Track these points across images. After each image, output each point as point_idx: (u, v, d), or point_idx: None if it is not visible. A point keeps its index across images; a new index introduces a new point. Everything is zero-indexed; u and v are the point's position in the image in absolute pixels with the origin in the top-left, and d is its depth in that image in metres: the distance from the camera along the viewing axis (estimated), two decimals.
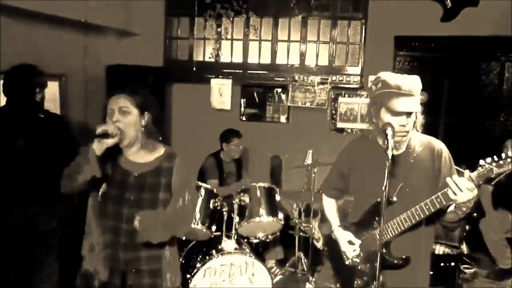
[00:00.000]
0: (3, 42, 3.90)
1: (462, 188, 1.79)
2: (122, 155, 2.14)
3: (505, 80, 5.21)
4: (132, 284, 2.12)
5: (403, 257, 2.10)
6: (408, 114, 2.01)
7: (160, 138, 2.21)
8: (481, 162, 1.81)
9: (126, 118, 2.04)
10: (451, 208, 1.97)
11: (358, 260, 2.24)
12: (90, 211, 2.14)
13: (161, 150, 2.19)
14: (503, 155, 1.78)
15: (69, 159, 2.16)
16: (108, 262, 2.10)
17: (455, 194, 1.81)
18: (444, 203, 1.91)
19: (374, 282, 1.90)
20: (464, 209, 1.88)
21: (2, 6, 3.75)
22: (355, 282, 2.21)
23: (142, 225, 1.98)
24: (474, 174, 1.81)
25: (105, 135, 1.95)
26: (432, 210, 1.95)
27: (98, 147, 1.95)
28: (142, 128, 2.10)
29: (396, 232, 2.08)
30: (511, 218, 4.39)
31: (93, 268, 2.11)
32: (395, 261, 2.09)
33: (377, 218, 2.14)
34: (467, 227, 4.41)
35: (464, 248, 4.26)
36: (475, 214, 4.54)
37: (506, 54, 5.14)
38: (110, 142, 1.97)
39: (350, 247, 2.25)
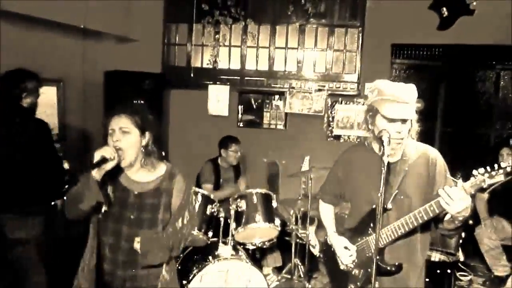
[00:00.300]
0: (2, 47, 3.91)
1: (454, 198, 1.81)
2: (123, 172, 2.14)
3: (500, 89, 5.25)
4: None
5: (396, 264, 2.11)
6: (403, 121, 2.04)
7: (158, 159, 2.20)
8: (474, 172, 1.83)
9: (126, 138, 2.05)
10: (448, 217, 1.98)
11: (352, 266, 2.26)
12: (91, 229, 2.13)
13: (161, 169, 2.19)
14: (495, 166, 1.81)
15: (47, 166, 2.20)
16: (96, 281, 2.08)
17: (448, 204, 1.83)
18: (437, 211, 1.93)
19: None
20: (460, 218, 1.90)
21: (2, 11, 3.78)
22: (349, 287, 2.22)
23: (143, 248, 2.02)
24: (467, 184, 1.83)
25: (104, 160, 1.95)
26: (425, 218, 1.97)
27: (97, 173, 1.95)
28: (143, 149, 2.11)
29: (390, 239, 2.10)
30: (506, 226, 4.40)
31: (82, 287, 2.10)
32: (388, 268, 2.11)
33: (372, 225, 2.17)
34: (463, 234, 4.42)
35: (460, 255, 4.27)
36: (470, 222, 4.56)
37: (501, 63, 5.17)
38: (109, 166, 1.97)
39: (346, 252, 2.27)
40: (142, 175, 2.15)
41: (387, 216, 2.09)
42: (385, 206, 2.07)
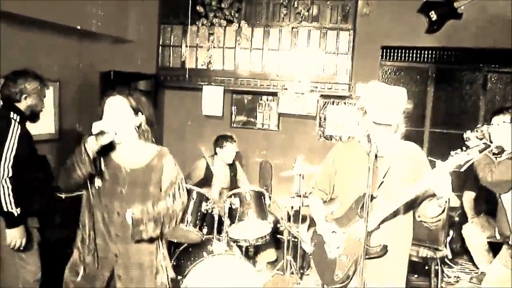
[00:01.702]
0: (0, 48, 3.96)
1: (438, 177, 2.04)
2: (115, 150, 2.26)
3: (487, 90, 5.39)
4: (120, 275, 2.24)
5: (381, 245, 2.24)
6: (388, 125, 2.19)
7: (153, 139, 2.35)
8: (452, 153, 2.05)
9: (121, 117, 2.18)
10: (433, 201, 2.16)
11: (340, 252, 2.36)
12: (84, 205, 2.25)
13: (153, 148, 2.33)
14: (470, 145, 2.09)
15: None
16: (97, 254, 2.22)
17: (433, 184, 2.06)
18: (421, 191, 2.15)
19: (356, 273, 2.05)
20: (444, 198, 2.08)
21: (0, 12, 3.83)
22: (335, 275, 2.34)
23: (133, 221, 2.14)
24: (446, 163, 2.05)
25: (100, 133, 2.07)
26: (409, 198, 2.17)
27: (93, 144, 2.06)
28: (136, 128, 2.26)
29: (378, 222, 2.24)
30: (492, 223, 4.52)
31: (82, 260, 2.23)
32: (374, 249, 2.24)
33: (359, 211, 2.30)
34: (450, 232, 4.55)
35: (448, 252, 4.38)
36: (456, 219, 4.70)
37: (488, 65, 5.31)
38: (104, 140, 2.09)
39: (333, 237, 2.38)
40: (134, 153, 2.27)
41: (373, 203, 2.22)
42: (372, 194, 2.19)
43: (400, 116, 2.20)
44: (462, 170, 2.04)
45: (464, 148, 2.04)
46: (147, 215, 2.16)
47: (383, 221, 2.25)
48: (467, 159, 2.02)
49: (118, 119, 2.17)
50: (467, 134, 3.39)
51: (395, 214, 2.24)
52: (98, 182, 2.21)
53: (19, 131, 2.88)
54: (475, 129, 3.10)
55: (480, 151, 2.05)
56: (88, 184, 2.18)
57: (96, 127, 2.08)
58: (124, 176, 2.23)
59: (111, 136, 2.11)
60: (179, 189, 2.31)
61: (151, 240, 2.26)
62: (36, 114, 3.12)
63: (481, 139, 2.18)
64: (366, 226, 2.10)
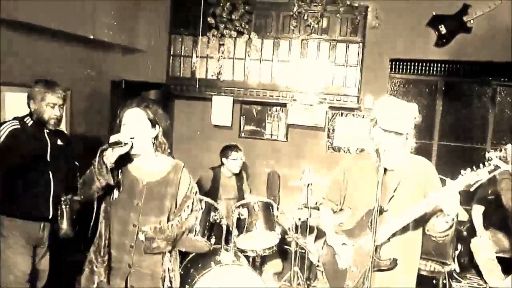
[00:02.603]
0: (12, 56, 4.00)
1: (447, 196, 2.05)
2: (132, 162, 2.29)
3: (496, 104, 5.39)
4: (133, 286, 2.27)
5: (391, 259, 2.26)
6: (397, 133, 2.23)
7: (169, 151, 2.39)
8: (462, 172, 2.07)
9: (138, 129, 2.22)
10: (440, 218, 2.17)
11: (351, 263, 2.38)
12: (102, 215, 2.29)
13: (169, 162, 2.36)
14: (480, 165, 2.04)
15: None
16: (110, 264, 2.25)
17: (442, 202, 2.06)
18: (430, 207, 2.15)
19: (365, 283, 2.07)
20: (452, 216, 2.10)
21: (12, 21, 3.90)
22: (346, 285, 2.37)
23: (146, 239, 2.17)
24: (456, 182, 2.07)
25: (118, 143, 2.10)
26: (419, 214, 2.18)
27: (111, 155, 2.10)
28: (153, 140, 2.29)
29: (387, 237, 2.27)
30: (501, 238, 4.50)
31: (96, 268, 2.25)
32: (384, 263, 2.26)
33: (369, 224, 2.31)
34: (459, 246, 4.53)
35: (456, 266, 4.36)
36: (465, 233, 4.67)
37: (498, 79, 5.31)
38: (122, 150, 2.12)
39: (344, 249, 2.41)
40: (151, 166, 2.30)
41: (383, 217, 2.25)
42: (382, 208, 2.24)
43: (410, 127, 2.25)
44: (471, 190, 2.05)
45: (474, 168, 2.05)
46: (160, 234, 2.19)
47: (393, 235, 2.27)
48: (476, 179, 2.04)
49: (136, 131, 2.20)
50: (489, 154, 3.38)
51: (404, 228, 2.26)
52: (115, 193, 2.24)
53: (10, 128, 3.01)
54: (499, 149, 3.08)
55: (490, 172, 2.04)
56: (106, 195, 2.22)
57: (113, 138, 2.12)
58: (141, 189, 2.26)
59: (128, 147, 2.14)
60: (193, 203, 2.35)
61: (163, 252, 2.29)
62: (42, 119, 3.14)
63: (505, 159, 2.17)
64: (374, 239, 2.12)
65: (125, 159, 2.21)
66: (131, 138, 2.16)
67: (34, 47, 4.41)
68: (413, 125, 2.26)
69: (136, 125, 2.22)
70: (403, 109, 2.26)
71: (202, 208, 3.58)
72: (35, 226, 3.15)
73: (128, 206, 2.25)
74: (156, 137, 2.30)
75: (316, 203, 2.87)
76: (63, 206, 3.12)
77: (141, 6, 5.63)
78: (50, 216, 3.16)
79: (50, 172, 3.16)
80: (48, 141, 3.19)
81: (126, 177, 2.27)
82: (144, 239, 2.18)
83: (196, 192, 2.42)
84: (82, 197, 2.26)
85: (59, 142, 3.29)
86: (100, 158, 2.09)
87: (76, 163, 3.47)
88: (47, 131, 3.19)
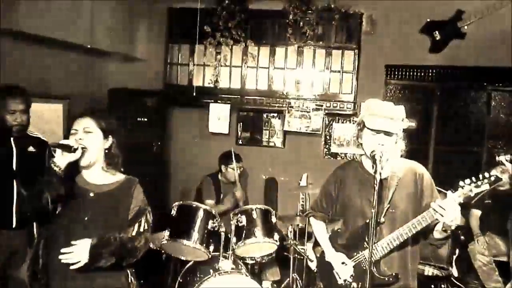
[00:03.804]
0: (12, 65, 4.04)
1: (447, 209, 1.98)
2: (80, 173, 2.11)
3: (492, 109, 5.42)
4: None
5: (392, 274, 2.23)
6: (386, 133, 2.18)
7: (122, 168, 2.20)
8: (461, 183, 2.02)
9: (89, 137, 2.05)
10: (438, 227, 2.14)
11: (351, 280, 2.35)
12: (39, 235, 2.07)
13: (121, 175, 2.19)
14: (480, 176, 2.01)
15: None
16: None
17: (441, 215, 2.00)
18: (429, 221, 2.11)
19: None
20: (452, 227, 2.07)
21: (12, 31, 3.93)
22: None
23: (94, 251, 1.92)
24: (456, 195, 2.01)
25: (67, 147, 1.93)
26: (418, 228, 2.14)
27: (60, 160, 1.93)
28: (105, 150, 2.12)
29: (386, 251, 2.23)
30: (498, 242, 4.52)
31: None
32: (386, 279, 2.23)
33: (366, 239, 2.28)
34: (456, 250, 4.54)
35: (454, 270, 4.37)
36: (462, 238, 4.69)
37: (492, 84, 5.35)
38: (71, 157, 1.95)
39: (343, 267, 2.37)
40: (101, 177, 2.12)
41: (380, 229, 2.22)
42: (378, 220, 2.19)
43: (399, 128, 2.21)
44: (472, 202, 2.03)
45: (473, 179, 2.01)
46: (108, 247, 1.96)
47: (391, 250, 2.23)
48: (476, 191, 2.00)
49: (86, 139, 2.04)
50: (500, 157, 3.42)
51: (404, 242, 2.22)
52: (58, 207, 2.00)
53: None
54: (509, 152, 3.09)
55: (491, 184, 2.00)
56: (50, 210, 1.96)
57: (62, 142, 1.95)
58: (88, 201, 2.05)
59: (78, 154, 1.97)
60: (146, 222, 2.13)
61: (118, 271, 2.08)
62: (5, 126, 3.07)
63: None
64: (371, 254, 2.08)
65: (71, 171, 2.03)
66: (80, 145, 1.99)
67: (34, 56, 4.44)
68: (402, 127, 2.22)
69: (86, 133, 2.05)
70: (390, 109, 2.23)
71: (200, 216, 3.58)
72: (2, 234, 3.08)
73: (73, 221, 2.01)
74: (108, 149, 2.13)
75: (306, 215, 2.85)
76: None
77: (139, 15, 5.67)
78: (14, 226, 3.07)
79: (14, 181, 3.06)
80: (14, 148, 3.10)
81: (72, 189, 2.04)
82: (88, 254, 1.91)
83: (149, 212, 2.17)
84: (29, 213, 2.05)
85: (31, 149, 3.18)
86: (49, 165, 1.92)
87: None
88: (14, 138, 3.09)
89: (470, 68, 5.24)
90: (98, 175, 2.13)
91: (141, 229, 2.10)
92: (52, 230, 2.02)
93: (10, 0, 3.83)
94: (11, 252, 3.13)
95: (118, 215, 2.08)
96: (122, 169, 2.20)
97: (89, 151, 2.04)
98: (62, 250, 1.89)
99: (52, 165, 1.92)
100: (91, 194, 2.07)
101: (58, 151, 1.93)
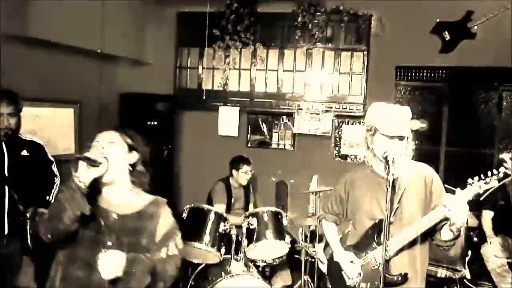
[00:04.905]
0: (24, 70, 4.09)
1: (455, 205, 1.98)
2: (102, 193, 1.93)
3: (503, 109, 5.38)
4: None
5: (402, 273, 2.24)
6: (400, 138, 2.20)
7: (147, 185, 2.02)
8: (470, 180, 2.02)
9: (113, 149, 1.88)
10: (446, 227, 2.14)
11: (359, 280, 2.36)
12: (57, 261, 1.89)
13: (147, 196, 2.00)
14: (489, 173, 2.00)
15: None
16: None
17: (449, 211, 2.00)
18: (439, 219, 2.11)
19: None
20: (459, 226, 2.05)
21: (23, 37, 3.98)
22: None
23: (126, 270, 1.73)
24: (465, 192, 2.01)
25: (91, 160, 1.77)
26: (427, 227, 2.14)
27: (85, 175, 1.76)
28: (130, 167, 1.95)
29: (395, 250, 2.23)
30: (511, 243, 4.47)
31: None
32: (395, 278, 2.23)
33: (376, 239, 2.30)
34: (469, 252, 4.50)
35: (467, 273, 4.33)
36: (475, 239, 4.65)
37: (503, 84, 5.31)
38: (96, 172, 1.79)
39: (352, 267, 2.38)
40: (125, 197, 1.94)
41: (389, 229, 2.21)
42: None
43: (409, 130, 2.22)
44: (481, 199, 2.02)
45: (482, 176, 2.01)
46: (139, 265, 1.77)
47: (401, 249, 2.23)
48: (485, 188, 1.99)
49: (110, 152, 1.85)
50: (502, 155, 3.41)
51: (413, 241, 2.23)
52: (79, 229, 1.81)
53: None
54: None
55: (499, 180, 1.99)
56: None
57: (88, 155, 1.78)
58: (112, 223, 1.86)
59: (103, 168, 1.80)
60: (175, 246, 1.93)
61: None
62: None
63: None
64: (384, 254, 2.09)
65: (92, 189, 1.82)
66: (104, 157, 1.81)
67: (44, 61, 4.49)
68: (410, 128, 2.24)
69: (110, 146, 1.87)
70: (399, 112, 2.24)
71: (211, 219, 3.60)
72: None
73: (95, 245, 1.80)
74: (134, 166, 1.95)
75: (318, 218, 2.86)
76: (27, 221, 2.92)
77: (148, 20, 5.72)
78: (6, 232, 2.97)
79: (6, 186, 2.98)
80: (6, 152, 3.01)
81: (94, 210, 1.83)
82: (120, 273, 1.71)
83: (179, 235, 1.97)
84: (49, 235, 1.78)
85: (25, 153, 3.10)
86: (73, 179, 1.74)
87: (56, 173, 3.34)
88: (5, 142, 3.01)
89: (481, 68, 5.20)
90: (123, 194, 1.94)
91: (170, 253, 1.89)
92: (70, 253, 1.85)
93: (21, 6, 3.88)
94: (4, 259, 3.02)
95: (144, 239, 1.88)
96: (148, 192, 2.02)
97: (113, 166, 1.84)
98: (100, 255, 1.70)
99: (76, 179, 1.74)
100: (114, 215, 1.88)
101: (82, 164, 1.76)
